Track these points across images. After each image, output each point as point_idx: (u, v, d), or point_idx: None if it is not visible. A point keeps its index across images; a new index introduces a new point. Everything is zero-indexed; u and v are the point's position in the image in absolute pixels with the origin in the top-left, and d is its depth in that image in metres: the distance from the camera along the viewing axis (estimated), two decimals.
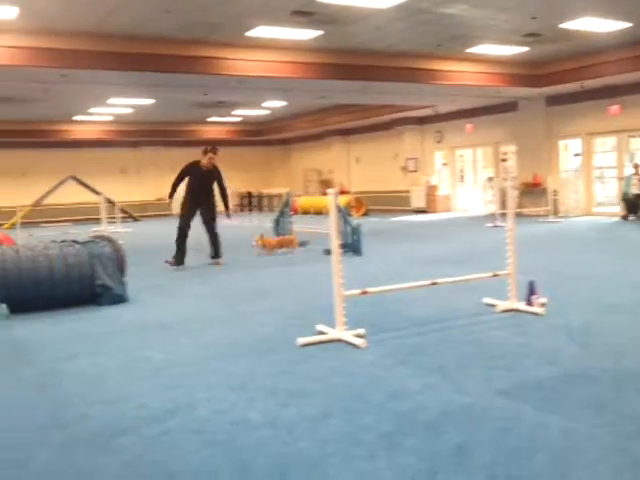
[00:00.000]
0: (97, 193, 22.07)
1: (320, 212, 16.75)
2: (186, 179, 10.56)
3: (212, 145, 10.80)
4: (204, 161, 10.53)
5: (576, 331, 5.37)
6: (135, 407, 3.96)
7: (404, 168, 25.45)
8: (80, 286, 7.29)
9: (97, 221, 20.27)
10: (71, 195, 25.40)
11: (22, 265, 7.09)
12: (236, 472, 3.03)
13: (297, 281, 8.86)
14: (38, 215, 24.09)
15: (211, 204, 10.58)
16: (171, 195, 10.44)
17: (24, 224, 18.54)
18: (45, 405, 4.08)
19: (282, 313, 6.61)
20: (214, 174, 10.53)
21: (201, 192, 10.48)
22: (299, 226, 14.86)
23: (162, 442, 3.41)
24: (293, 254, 12.00)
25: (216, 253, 10.80)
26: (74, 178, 24.03)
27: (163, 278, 9.59)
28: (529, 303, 6.09)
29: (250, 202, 30.03)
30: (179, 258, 10.53)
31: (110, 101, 19.85)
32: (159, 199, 29.55)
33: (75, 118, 24.28)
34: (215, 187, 10.62)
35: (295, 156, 32.62)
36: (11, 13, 10.75)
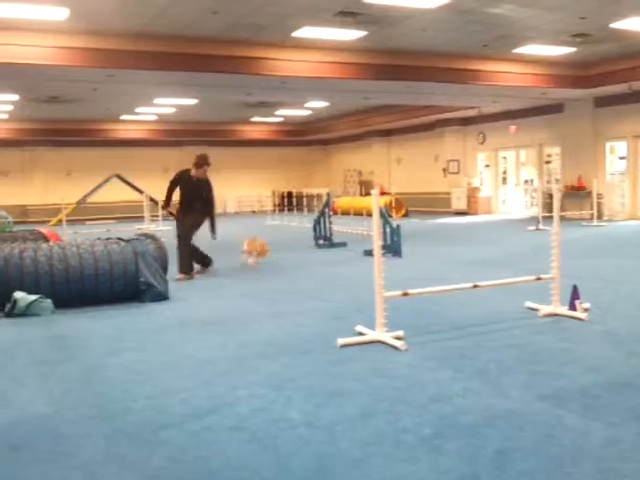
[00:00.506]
0: (140, 192, 22.42)
1: (360, 213, 16.68)
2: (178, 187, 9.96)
3: (205, 157, 9.95)
4: (197, 173, 9.79)
5: (620, 338, 5.28)
6: (178, 402, 4.01)
7: (445, 170, 25.29)
8: (124, 283, 7.42)
9: (140, 219, 20.60)
10: (115, 193, 25.84)
11: (68, 261, 7.24)
12: (276, 470, 3.06)
13: (337, 281, 8.88)
14: (83, 213, 24.55)
15: (193, 217, 9.84)
16: (167, 204, 10.16)
17: (70, 221, 18.91)
18: (90, 398, 4.16)
19: (322, 313, 6.63)
20: (204, 186, 9.83)
21: (189, 201, 9.86)
22: (339, 227, 14.89)
23: (203, 438, 3.45)
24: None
25: (180, 267, 9.51)
26: (118, 176, 24.44)
27: (204, 277, 9.69)
28: (572, 308, 6.02)
29: (290, 202, 30.13)
30: (186, 267, 9.47)
31: (156, 101, 20.14)
32: None
33: (122, 117, 24.69)
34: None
35: (336, 157, 32.65)
36: (61, 14, 10.98)
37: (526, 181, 23.10)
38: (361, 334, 5.50)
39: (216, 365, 4.83)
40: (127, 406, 3.98)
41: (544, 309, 6.17)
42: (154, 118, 25.23)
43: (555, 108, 20.59)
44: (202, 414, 3.79)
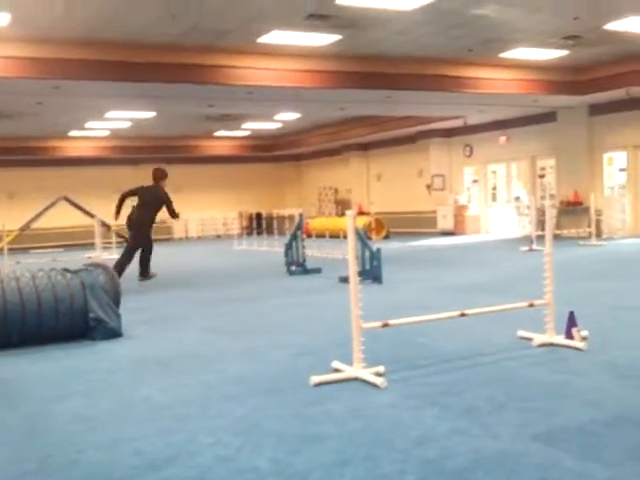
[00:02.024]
0: (91, 216, 22.25)
1: (337, 235, 16.77)
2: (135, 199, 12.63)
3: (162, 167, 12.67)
4: (163, 184, 12.54)
5: (622, 369, 5.32)
6: (131, 453, 3.95)
7: (429, 186, 25.50)
8: (71, 319, 7.34)
9: (91, 246, 20.44)
10: (63, 218, 25.60)
11: (7, 297, 7.14)
12: None
13: (311, 312, 8.89)
14: (27, 240, 24.29)
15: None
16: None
17: (11, 250, 18.72)
18: (31, 451, 4.08)
19: (294, 348, 6.62)
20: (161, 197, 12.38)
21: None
22: (313, 251, 14.93)
23: None
24: None
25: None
26: (66, 199, 24.21)
27: (163, 309, 9.65)
28: (569, 337, 6.06)
29: (260, 224, 30.19)
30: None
31: (108, 114, 20.10)
32: (160, 222, 29.78)
33: (71, 134, 24.59)
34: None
35: (309, 173, 32.82)
36: (1, 20, 10.94)
37: (517, 198, 23.37)
38: (337, 371, 5.49)
39: (175, 409, 4.78)
40: (73, 458, 3.91)
41: (538, 338, 6.21)
42: (106, 134, 25.17)
43: (547, 117, 20.92)
44: (159, 465, 3.74)
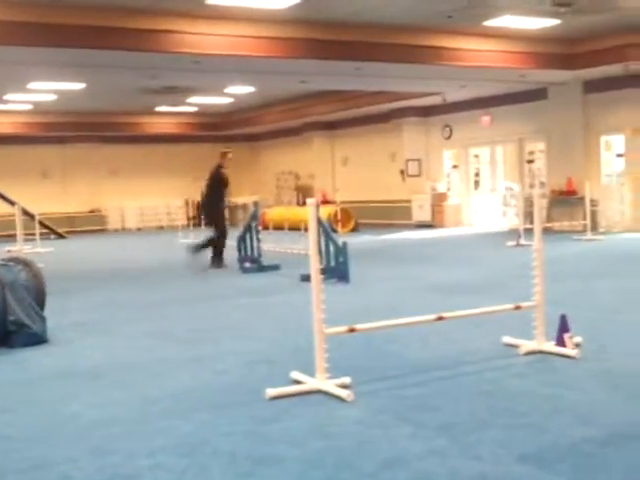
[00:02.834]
0: (11, 203, 21.98)
1: (297, 227, 16.76)
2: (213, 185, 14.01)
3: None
4: (223, 164, 14.12)
5: (619, 379, 5.38)
6: (57, 478, 3.91)
7: (403, 172, 25.61)
8: None
9: (11, 239, 20.17)
10: None
11: None
12: None
13: (268, 315, 8.87)
14: None
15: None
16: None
17: None
18: None
19: (247, 356, 6.60)
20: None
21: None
22: (270, 245, 14.90)
23: None
24: None
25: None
26: None
27: (96, 311, 9.55)
28: (560, 343, 6.11)
29: None
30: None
31: (31, 85, 19.80)
32: (92, 210, 29.52)
33: None
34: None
35: (266, 156, 32.75)
36: None
37: (510, 188, 23.49)
38: (298, 382, 5.49)
39: (110, 427, 4.74)
40: None
41: (526, 345, 6.26)
42: (29, 108, 24.81)
43: (537, 94, 21.10)
44: None
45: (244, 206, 25.03)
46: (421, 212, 24.81)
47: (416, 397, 5.13)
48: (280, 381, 5.51)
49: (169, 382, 5.84)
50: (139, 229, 30.27)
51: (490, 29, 15.80)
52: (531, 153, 22.81)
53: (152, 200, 30.85)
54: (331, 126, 28.33)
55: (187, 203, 29.85)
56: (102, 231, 29.50)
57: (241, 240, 13.67)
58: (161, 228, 30.26)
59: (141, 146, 30.19)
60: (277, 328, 7.97)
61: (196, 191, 30.17)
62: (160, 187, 30.94)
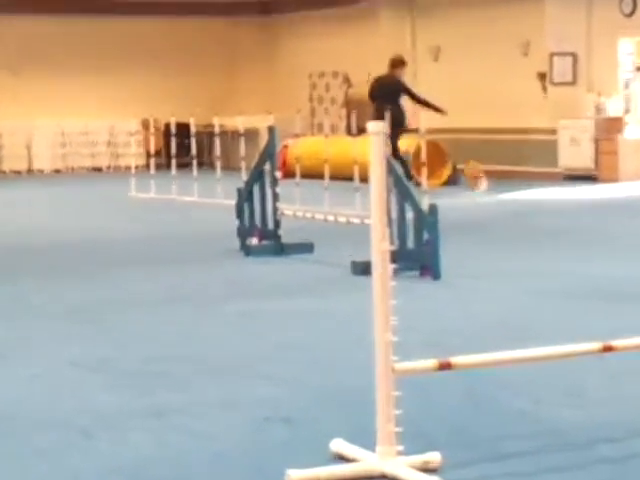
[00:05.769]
0: None
1: (346, 175, 11.98)
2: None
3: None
4: (399, 73, 14.42)
5: None
6: None
7: (544, 76, 17.87)
8: None
9: None
10: None
11: None
12: None
13: (288, 337, 6.29)
14: None
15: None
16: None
17: None
18: None
19: (251, 409, 4.62)
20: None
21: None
22: (297, 207, 10.68)
23: None
24: None
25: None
26: None
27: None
28: None
29: (185, 147, 18.58)
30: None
31: None
32: None
33: None
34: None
35: (290, 43, 21.70)
36: None
37: None
38: (342, 458, 3.86)
39: None
40: None
41: None
42: None
43: None
44: None
45: (249, 133, 16.36)
46: (575, 152, 17.15)
47: None
48: (310, 456, 3.79)
49: (105, 453, 3.99)
50: (58, 171, 20.60)
51: None
52: None
53: (83, 120, 20.10)
54: None
55: (146, 126, 19.27)
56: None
57: (244, 198, 10.14)
58: (98, 171, 20.47)
59: (68, 19, 18.79)
60: (305, 359, 5.63)
61: (167, 105, 19.36)
62: (98, 95, 19.62)
